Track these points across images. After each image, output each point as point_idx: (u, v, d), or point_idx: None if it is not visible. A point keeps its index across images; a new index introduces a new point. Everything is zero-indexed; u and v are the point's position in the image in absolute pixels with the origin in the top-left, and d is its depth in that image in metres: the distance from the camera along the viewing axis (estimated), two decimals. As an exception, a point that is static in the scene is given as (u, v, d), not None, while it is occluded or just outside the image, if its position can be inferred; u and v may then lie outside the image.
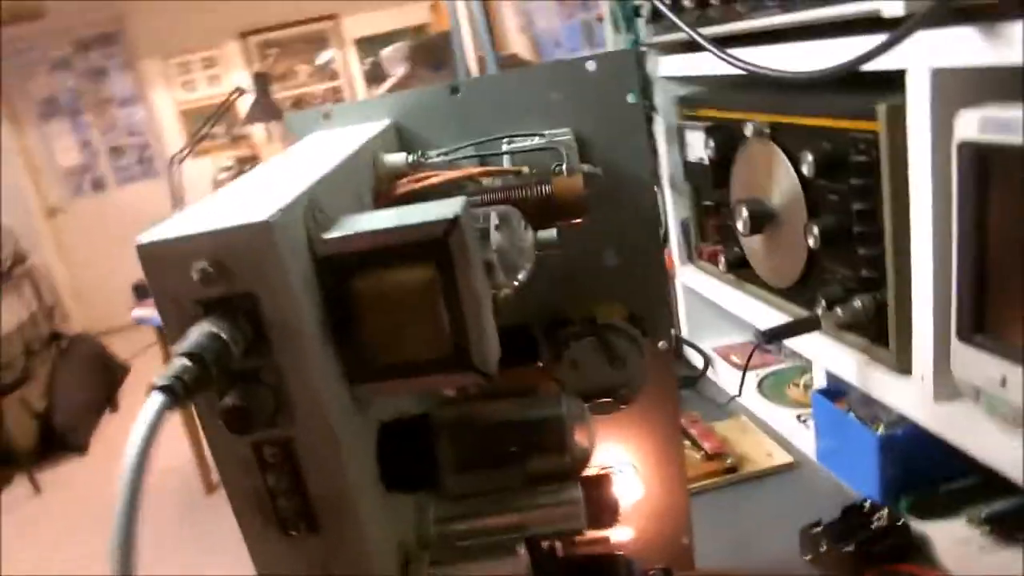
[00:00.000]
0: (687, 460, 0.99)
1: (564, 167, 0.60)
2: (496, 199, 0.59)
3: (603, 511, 0.69)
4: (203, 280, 0.40)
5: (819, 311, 0.86)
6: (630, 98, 0.66)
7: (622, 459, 0.80)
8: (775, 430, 1.08)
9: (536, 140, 0.64)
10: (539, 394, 0.55)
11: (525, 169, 0.61)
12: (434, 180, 0.58)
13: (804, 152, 0.84)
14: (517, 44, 3.10)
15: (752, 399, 1.14)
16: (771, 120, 0.92)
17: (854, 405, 0.91)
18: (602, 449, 0.80)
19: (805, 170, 0.85)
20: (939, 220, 0.70)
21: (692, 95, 1.15)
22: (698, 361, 1.27)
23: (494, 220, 0.52)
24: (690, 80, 1.15)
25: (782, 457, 1.01)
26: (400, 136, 0.67)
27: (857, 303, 0.82)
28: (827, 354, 0.90)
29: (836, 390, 0.95)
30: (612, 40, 1.21)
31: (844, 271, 0.85)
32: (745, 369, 1.00)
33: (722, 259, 1.07)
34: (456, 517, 0.57)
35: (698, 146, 1.09)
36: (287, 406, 0.43)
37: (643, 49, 1.16)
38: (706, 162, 1.08)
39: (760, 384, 1.15)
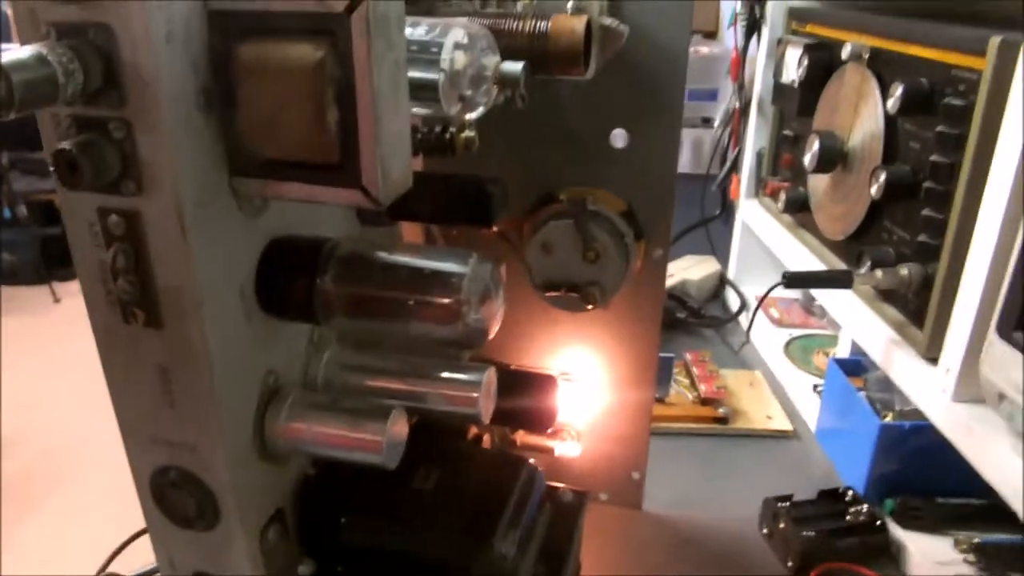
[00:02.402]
0: (678, 398, 0.92)
1: (571, 5, 0.51)
2: (483, 24, 0.50)
3: (534, 414, 0.63)
4: (49, -8, 0.34)
5: (862, 270, 0.75)
6: (681, -50, 0.55)
7: (587, 369, 0.72)
8: (787, 395, 0.98)
9: (560, -24, 0.54)
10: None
11: (525, -2, 0.52)
12: (414, -16, 0.49)
13: (896, 83, 0.71)
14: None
15: (775, 358, 1.04)
16: (873, 43, 0.79)
17: (871, 385, 0.81)
18: (567, 352, 0.73)
19: (891, 106, 0.72)
20: (1019, 191, 0.57)
21: (804, 7, 1.01)
22: (734, 303, 1.17)
23: (456, 36, 0.44)
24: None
25: (781, 423, 0.92)
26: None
27: (903, 271, 0.71)
28: (857, 321, 0.79)
29: (857, 364, 0.84)
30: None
31: (901, 232, 0.74)
32: (756, 308, 0.89)
33: (782, 196, 0.95)
34: (350, 367, 0.51)
35: (794, 66, 0.96)
36: (135, 172, 0.37)
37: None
38: (797, 84, 0.95)
39: (788, 344, 1.05)
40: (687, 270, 1.20)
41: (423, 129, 0.52)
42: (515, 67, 0.45)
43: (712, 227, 1.20)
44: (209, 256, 0.40)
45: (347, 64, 0.36)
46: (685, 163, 2.17)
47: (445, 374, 0.49)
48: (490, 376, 0.50)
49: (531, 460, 0.55)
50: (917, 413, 0.72)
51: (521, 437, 0.73)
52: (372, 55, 0.36)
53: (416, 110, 0.46)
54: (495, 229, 0.56)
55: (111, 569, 0.60)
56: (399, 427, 0.46)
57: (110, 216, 0.39)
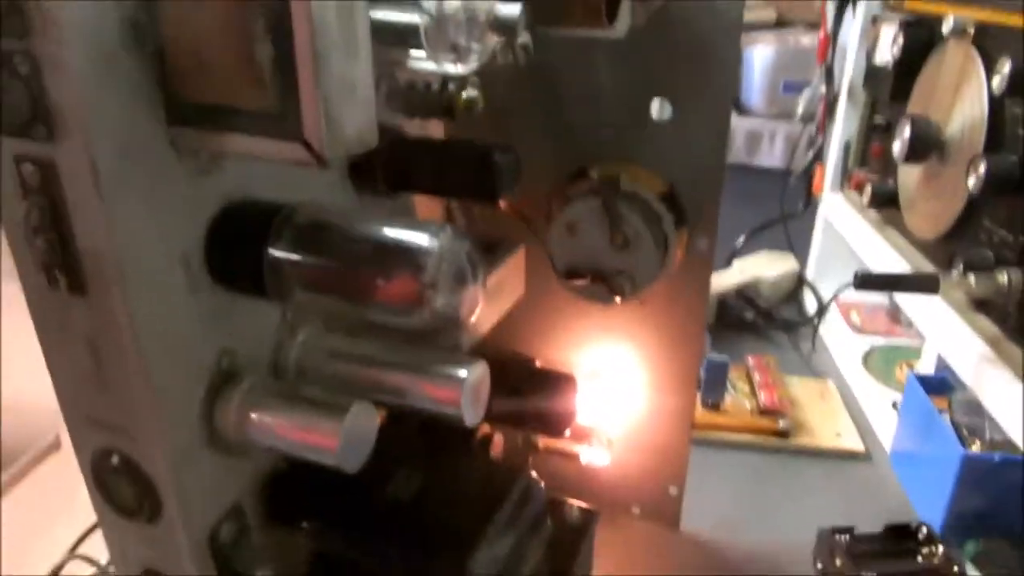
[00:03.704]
0: (734, 405, 0.83)
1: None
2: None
3: (549, 416, 0.56)
4: None
5: (953, 274, 0.65)
6: None
7: (620, 368, 0.65)
8: (862, 410, 0.88)
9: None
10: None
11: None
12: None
13: (1003, 59, 0.61)
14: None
15: (852, 368, 0.93)
16: (978, 17, 0.68)
17: (956, 407, 0.70)
18: (599, 349, 0.65)
19: (997, 85, 0.62)
20: None
21: (904, -23, 0.89)
22: (811, 305, 1.06)
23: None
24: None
25: (852, 442, 0.81)
26: None
27: (1002, 276, 0.61)
28: (944, 332, 0.68)
29: (943, 382, 0.74)
30: None
31: (1003, 233, 0.63)
32: (826, 307, 0.79)
33: (868, 190, 0.85)
34: (327, 352, 0.46)
35: (888, 45, 0.85)
36: (45, 115, 0.32)
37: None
38: (891, 66, 0.84)
39: (868, 354, 0.94)
40: (762, 267, 1.10)
41: (420, 86, 0.45)
42: (511, 9, 0.37)
43: (793, 225, 1.09)
44: (136, 216, 0.35)
45: (280, -10, 0.30)
46: (777, 159, 2.04)
47: (429, 366, 0.43)
48: (479, 372, 0.43)
49: (532, 472, 0.48)
50: (1010, 444, 0.61)
51: (545, 442, 0.66)
52: (310, -22, 0.29)
53: (410, 64, 0.40)
54: (503, 205, 0.50)
55: (83, 551, 0.56)
56: (362, 425, 0.40)
57: (25, 164, 0.34)
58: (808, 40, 2.24)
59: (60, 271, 0.36)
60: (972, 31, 0.69)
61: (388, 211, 0.53)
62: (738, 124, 2.04)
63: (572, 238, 0.55)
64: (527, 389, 0.55)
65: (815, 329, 0.90)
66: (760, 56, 2.02)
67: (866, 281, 0.64)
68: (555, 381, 0.56)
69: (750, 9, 1.99)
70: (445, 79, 0.45)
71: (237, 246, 0.38)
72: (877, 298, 1.03)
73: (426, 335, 0.38)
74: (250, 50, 0.31)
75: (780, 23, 2.20)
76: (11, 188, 0.35)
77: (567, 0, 0.43)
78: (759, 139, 2.08)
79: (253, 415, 0.40)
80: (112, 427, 0.40)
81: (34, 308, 0.38)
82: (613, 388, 0.65)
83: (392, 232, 0.37)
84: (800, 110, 1.10)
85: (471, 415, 0.43)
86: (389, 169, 0.48)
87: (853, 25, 0.99)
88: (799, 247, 1.14)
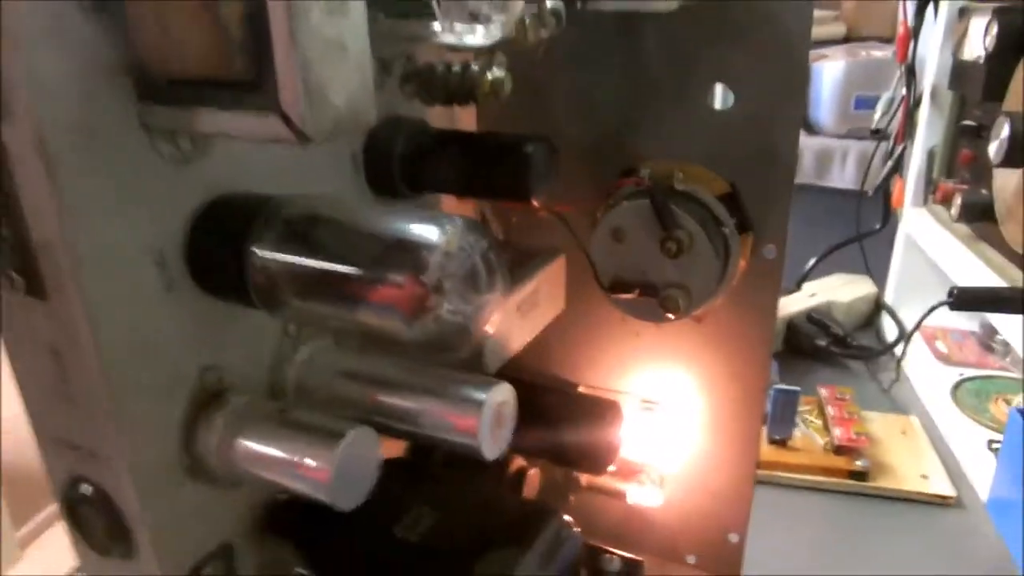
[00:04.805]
0: (805, 442, 0.75)
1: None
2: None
3: (589, 449, 0.50)
4: None
5: (1062, 298, 0.57)
6: None
7: (677, 397, 0.58)
8: (951, 450, 0.79)
9: None
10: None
11: None
12: None
13: (1123, 45, 0.53)
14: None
15: (939, 402, 0.84)
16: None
17: (1067, 450, 0.61)
18: (652, 373, 0.58)
19: (1115, 75, 0.54)
20: None
21: (997, -32, 0.81)
22: (891, 332, 0.97)
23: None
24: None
25: (940, 485, 0.72)
26: None
27: (1124, 299, 0.52)
28: (1051, 364, 0.59)
29: (1050, 421, 0.64)
30: None
31: (1123, 247, 0.54)
32: (912, 332, 0.71)
33: (957, 201, 0.76)
34: (332, 371, 0.40)
35: (979, 38, 0.77)
36: (-11, 84, 0.28)
37: None
38: (983, 61, 0.76)
39: (957, 386, 0.84)
40: (835, 290, 1.01)
41: (440, 68, 0.40)
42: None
43: (869, 246, 1.01)
44: (97, 206, 0.30)
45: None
46: (849, 179, 1.94)
47: (443, 387, 0.37)
48: (502, 396, 0.37)
49: (566, 515, 0.42)
50: None
51: (588, 479, 0.59)
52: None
53: (427, 38, 0.35)
54: (540, 206, 0.44)
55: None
56: (360, 454, 0.34)
57: (-23, 145, 0.30)
58: (880, 54, 2.14)
59: (17, 272, 0.31)
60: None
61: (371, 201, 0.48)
62: (806, 143, 1.94)
63: (618, 245, 0.48)
64: (564, 418, 0.49)
65: (897, 358, 0.81)
66: (829, 71, 1.92)
67: (964, 299, 0.56)
68: (596, 409, 0.49)
69: (818, 23, 1.89)
70: (467, 62, 0.39)
71: (216, 244, 0.33)
72: (966, 324, 0.93)
73: (442, 353, 0.32)
74: (217, 15, 0.26)
75: (850, 38, 2.10)
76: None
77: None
78: (830, 159, 1.97)
79: (237, 440, 0.35)
80: (80, 449, 0.35)
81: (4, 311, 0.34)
82: (666, 419, 0.58)
83: (392, 225, 0.31)
84: (875, 121, 1.01)
85: (490, 446, 0.37)
86: (408, 164, 0.42)
87: (937, 20, 0.90)
88: (876, 269, 1.05)
